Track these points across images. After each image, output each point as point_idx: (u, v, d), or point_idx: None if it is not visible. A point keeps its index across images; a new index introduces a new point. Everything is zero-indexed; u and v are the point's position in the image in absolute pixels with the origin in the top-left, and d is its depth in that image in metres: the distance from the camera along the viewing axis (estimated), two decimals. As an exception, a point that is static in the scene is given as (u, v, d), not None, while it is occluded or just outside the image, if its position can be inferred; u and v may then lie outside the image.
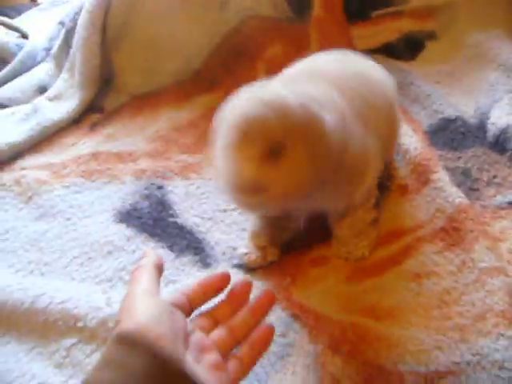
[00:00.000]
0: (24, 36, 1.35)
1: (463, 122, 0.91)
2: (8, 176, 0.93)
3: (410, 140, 0.87)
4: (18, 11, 1.56)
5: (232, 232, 0.79)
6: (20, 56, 1.24)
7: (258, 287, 0.65)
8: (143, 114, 1.08)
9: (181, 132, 1.02)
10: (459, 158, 0.85)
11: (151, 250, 0.55)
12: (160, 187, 0.88)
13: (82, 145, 1.01)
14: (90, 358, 0.63)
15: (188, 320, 0.50)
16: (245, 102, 0.58)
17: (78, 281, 0.74)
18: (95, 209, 0.85)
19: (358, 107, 0.65)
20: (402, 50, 1.14)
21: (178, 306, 0.49)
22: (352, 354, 0.60)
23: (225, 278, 0.54)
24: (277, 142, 0.56)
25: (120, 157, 0.96)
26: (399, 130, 0.81)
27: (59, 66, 1.22)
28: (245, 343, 0.52)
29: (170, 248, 0.77)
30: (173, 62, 1.16)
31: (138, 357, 0.42)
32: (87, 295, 0.68)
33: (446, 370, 0.57)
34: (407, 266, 0.69)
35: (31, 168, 0.95)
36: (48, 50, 1.27)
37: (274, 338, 0.61)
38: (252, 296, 0.55)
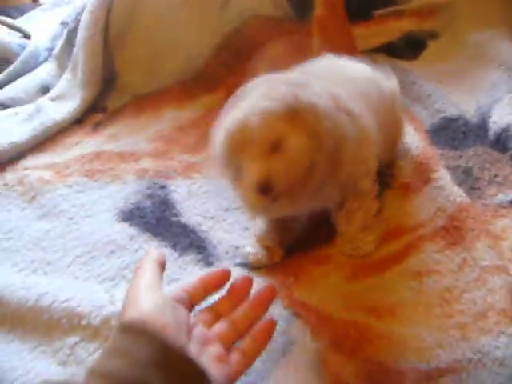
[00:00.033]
0: (26, 36, 1.36)
1: (464, 121, 0.92)
2: (11, 176, 0.94)
3: (412, 139, 0.87)
4: (20, 11, 1.56)
5: (234, 231, 0.79)
6: (22, 56, 1.25)
7: (261, 285, 0.65)
8: (145, 113, 1.09)
9: (183, 132, 1.02)
10: (460, 156, 0.86)
11: (154, 248, 0.56)
12: (162, 187, 0.88)
13: (85, 145, 1.02)
14: (94, 355, 0.63)
15: (190, 314, 0.51)
16: (240, 102, 0.61)
17: (81, 279, 0.74)
18: (98, 208, 0.86)
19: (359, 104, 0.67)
20: (403, 50, 1.14)
21: (179, 301, 0.50)
22: (353, 352, 0.60)
23: (225, 275, 0.55)
24: (277, 136, 0.59)
25: (122, 156, 0.96)
26: (402, 129, 0.81)
27: (61, 66, 1.23)
28: (247, 336, 0.53)
29: (173, 247, 0.77)
30: (174, 62, 1.16)
31: (142, 345, 0.43)
32: (90, 294, 0.69)
33: (447, 367, 0.57)
34: (408, 265, 0.69)
35: (34, 168, 0.96)
36: (50, 50, 1.28)
37: (277, 335, 0.62)
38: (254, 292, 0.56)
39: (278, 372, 0.59)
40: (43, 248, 0.80)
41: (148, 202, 0.85)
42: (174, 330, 0.45)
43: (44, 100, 1.12)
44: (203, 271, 0.73)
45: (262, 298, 0.55)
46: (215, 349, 0.49)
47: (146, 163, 0.94)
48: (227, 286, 0.56)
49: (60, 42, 1.24)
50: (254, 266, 0.72)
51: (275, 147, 0.60)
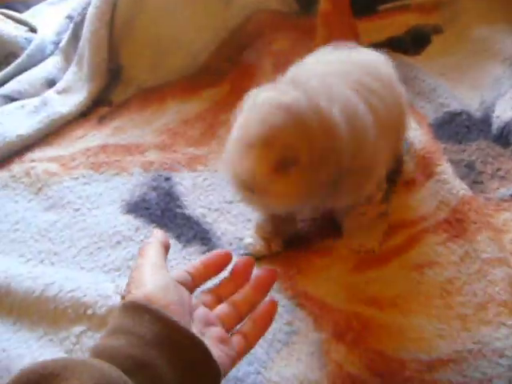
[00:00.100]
0: (33, 30, 1.36)
1: (468, 116, 0.92)
2: (18, 168, 0.94)
3: (415, 133, 0.87)
4: (26, 5, 1.57)
5: (238, 223, 0.80)
6: (29, 50, 1.25)
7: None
8: (151, 107, 1.09)
9: (188, 125, 1.03)
10: (463, 151, 0.86)
11: (158, 231, 0.56)
12: (167, 179, 0.89)
13: (91, 137, 1.02)
14: (100, 344, 0.64)
15: (192, 296, 0.51)
16: (267, 106, 0.59)
17: (87, 270, 0.75)
18: (104, 200, 0.87)
19: (368, 101, 0.67)
20: (408, 44, 1.14)
21: (181, 282, 0.50)
22: (355, 342, 0.61)
23: (226, 257, 0.56)
24: (291, 154, 0.58)
25: (128, 149, 0.97)
26: (407, 123, 0.81)
27: (67, 60, 1.23)
28: (248, 319, 0.53)
29: (178, 238, 0.78)
30: (179, 57, 1.17)
31: (146, 324, 0.43)
32: (96, 284, 0.70)
33: (448, 357, 0.58)
34: (410, 257, 0.70)
35: (40, 160, 0.96)
36: (56, 43, 1.28)
37: (280, 325, 0.63)
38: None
39: (281, 361, 0.60)
40: (50, 239, 0.81)
41: (153, 194, 0.86)
42: (178, 309, 0.46)
43: (50, 93, 1.13)
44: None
45: (263, 280, 0.56)
46: (217, 330, 0.50)
47: (152, 156, 0.95)
48: (229, 268, 0.57)
49: (66, 36, 1.25)
50: (254, 257, 0.73)
51: (286, 164, 0.58)
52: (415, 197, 0.79)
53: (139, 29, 1.17)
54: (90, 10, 1.16)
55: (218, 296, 0.55)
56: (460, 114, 0.92)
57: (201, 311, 0.51)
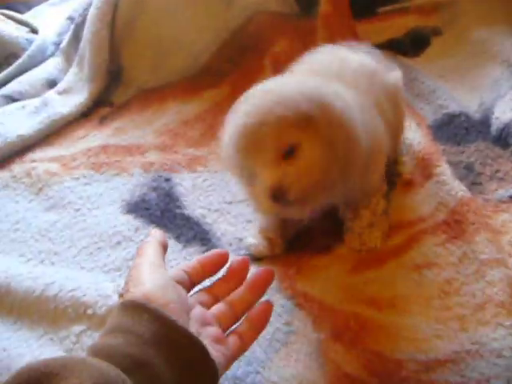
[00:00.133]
0: (34, 31, 1.37)
1: (467, 117, 0.92)
2: (19, 168, 0.95)
3: (414, 135, 0.88)
4: (27, 6, 1.57)
5: (238, 223, 0.80)
6: (30, 51, 1.26)
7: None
8: (151, 107, 1.10)
9: (188, 126, 1.03)
10: (462, 152, 0.86)
11: (157, 230, 0.56)
12: (167, 179, 0.89)
13: (91, 138, 1.03)
14: (99, 344, 0.64)
15: (188, 295, 0.52)
16: (251, 106, 0.59)
17: (87, 270, 0.75)
18: (104, 200, 0.87)
19: (366, 99, 0.68)
20: (408, 46, 1.14)
21: (178, 281, 0.50)
22: (353, 342, 0.61)
23: (223, 256, 0.56)
24: (290, 142, 0.59)
25: (128, 150, 0.97)
26: (404, 123, 0.82)
27: (68, 60, 1.24)
28: (244, 319, 0.53)
29: (177, 239, 0.78)
30: (180, 58, 1.17)
31: (144, 322, 0.43)
32: (96, 283, 0.70)
33: (446, 358, 0.58)
34: (409, 258, 0.70)
35: (41, 160, 0.97)
36: (57, 44, 1.29)
37: (279, 325, 0.63)
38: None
39: (280, 361, 0.60)
40: (50, 239, 0.81)
41: (153, 195, 0.87)
42: (176, 308, 0.46)
43: (51, 94, 1.13)
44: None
45: (260, 281, 0.56)
46: (213, 330, 0.50)
47: (152, 156, 0.95)
48: (225, 268, 0.57)
49: (67, 36, 1.25)
50: (255, 257, 0.73)
51: (289, 154, 0.59)
52: (414, 198, 0.79)
53: (140, 30, 1.17)
54: (91, 11, 1.17)
55: (215, 295, 0.55)
56: (459, 115, 0.93)
57: (197, 311, 0.51)
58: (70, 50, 1.24)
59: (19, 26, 1.37)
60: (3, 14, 1.36)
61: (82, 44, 1.19)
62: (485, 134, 0.89)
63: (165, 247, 0.54)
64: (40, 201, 0.88)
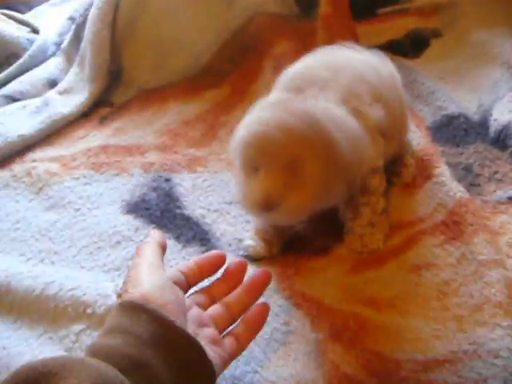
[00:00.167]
0: (35, 31, 1.37)
1: (466, 119, 0.93)
2: (19, 168, 0.95)
3: (414, 136, 0.88)
4: (28, 6, 1.58)
5: (237, 224, 0.80)
6: (31, 51, 1.26)
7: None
8: (152, 108, 1.10)
9: (188, 126, 1.03)
10: (461, 153, 0.87)
11: (156, 231, 0.56)
12: (167, 180, 0.90)
13: (92, 138, 1.03)
14: (99, 343, 0.64)
15: (185, 296, 0.52)
16: (258, 121, 0.61)
17: (86, 269, 0.76)
18: (104, 200, 0.87)
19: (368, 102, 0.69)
20: (408, 48, 1.15)
21: (175, 282, 0.50)
22: (352, 342, 0.61)
23: (220, 258, 0.56)
24: (292, 160, 0.60)
25: (129, 150, 0.98)
26: (408, 124, 0.82)
27: (69, 60, 1.24)
28: (241, 321, 0.53)
29: (177, 239, 0.79)
30: (181, 58, 1.17)
31: (142, 323, 0.43)
32: (96, 283, 0.70)
33: (444, 358, 0.59)
34: (408, 258, 0.71)
35: (42, 160, 0.97)
36: (58, 44, 1.29)
37: (277, 325, 0.63)
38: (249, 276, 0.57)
39: (278, 361, 0.61)
40: (50, 238, 0.81)
41: (153, 195, 0.87)
42: (174, 309, 0.46)
43: (52, 94, 1.13)
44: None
45: (257, 283, 0.56)
46: (210, 331, 0.50)
47: (152, 157, 0.95)
48: (222, 269, 0.57)
49: (68, 37, 1.26)
50: (254, 258, 0.73)
51: (291, 167, 0.61)
52: (413, 198, 0.80)
53: (141, 30, 1.18)
54: (92, 11, 1.17)
55: (212, 297, 0.55)
56: (458, 117, 0.93)
57: (194, 312, 0.51)
58: (71, 50, 1.25)
59: (20, 25, 1.37)
60: (4, 14, 1.37)
61: (82, 44, 1.20)
62: (483, 135, 0.89)
63: (164, 248, 0.54)
64: (40, 200, 0.88)
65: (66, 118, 1.08)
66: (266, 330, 0.61)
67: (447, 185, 0.78)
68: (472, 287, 0.66)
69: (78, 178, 0.92)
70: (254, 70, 1.13)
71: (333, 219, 0.74)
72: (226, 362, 0.50)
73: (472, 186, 0.81)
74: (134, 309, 0.44)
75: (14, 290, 0.71)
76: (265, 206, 0.61)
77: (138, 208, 0.85)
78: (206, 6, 1.17)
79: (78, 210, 0.86)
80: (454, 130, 0.91)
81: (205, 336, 0.49)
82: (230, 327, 0.54)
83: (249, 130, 0.62)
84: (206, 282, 0.57)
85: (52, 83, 1.20)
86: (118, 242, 0.79)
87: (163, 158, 0.94)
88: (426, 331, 0.62)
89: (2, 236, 0.82)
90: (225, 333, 0.53)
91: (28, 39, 1.31)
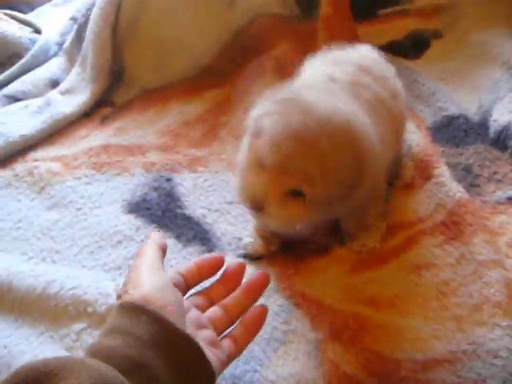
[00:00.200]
0: (37, 31, 1.37)
1: (466, 120, 0.93)
2: (21, 167, 0.95)
3: (414, 136, 0.88)
4: (31, 6, 1.58)
5: (238, 223, 0.81)
6: (33, 51, 1.26)
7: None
8: (153, 108, 1.10)
9: (189, 126, 1.04)
10: (461, 154, 0.87)
11: (156, 233, 0.57)
12: (168, 179, 0.90)
13: (93, 137, 1.03)
14: (99, 341, 0.65)
15: (184, 298, 0.52)
16: (278, 132, 0.59)
17: (88, 268, 0.76)
18: (105, 200, 0.87)
19: (372, 106, 0.68)
20: (408, 48, 1.15)
21: (174, 284, 0.50)
22: (352, 342, 0.62)
23: (218, 261, 0.56)
24: (305, 183, 0.59)
25: (130, 150, 0.98)
26: (405, 125, 0.82)
27: (71, 60, 1.24)
28: (239, 324, 0.54)
29: (178, 238, 0.79)
30: (182, 58, 1.17)
31: (142, 324, 0.44)
32: (97, 282, 0.71)
33: (443, 357, 0.59)
34: (408, 258, 0.71)
35: (44, 159, 0.97)
36: (60, 44, 1.29)
37: (277, 324, 0.64)
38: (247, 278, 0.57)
39: (278, 360, 0.61)
40: (52, 237, 0.82)
41: (154, 195, 0.87)
42: (174, 310, 0.46)
43: (53, 93, 1.14)
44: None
45: (255, 285, 0.56)
46: (208, 333, 0.51)
47: (153, 156, 0.96)
48: (221, 271, 0.57)
49: (70, 37, 1.26)
50: (253, 256, 0.74)
51: (300, 179, 0.59)
52: (413, 199, 0.80)
53: (142, 29, 1.18)
54: (95, 11, 1.17)
55: (210, 299, 0.55)
56: (458, 117, 0.93)
57: (193, 313, 0.52)
58: (73, 50, 1.25)
59: (22, 26, 1.37)
60: (6, 14, 1.37)
61: (84, 44, 1.20)
62: (483, 136, 0.90)
63: (164, 250, 0.54)
64: (42, 200, 0.89)
65: (68, 118, 1.08)
66: (266, 330, 0.61)
67: (447, 185, 0.78)
68: (471, 287, 0.66)
69: (79, 178, 0.92)
70: (254, 72, 1.13)
71: (332, 219, 0.75)
72: (224, 364, 0.50)
73: (472, 186, 0.81)
74: (134, 310, 0.45)
75: (16, 289, 0.71)
76: (255, 203, 0.61)
77: (139, 207, 0.85)
78: (207, 7, 1.17)
79: (79, 209, 0.86)
80: (454, 131, 0.91)
81: (203, 338, 0.49)
82: (229, 329, 0.54)
83: (276, 130, 0.59)
84: (206, 283, 0.57)
85: (54, 83, 1.20)
86: (119, 242, 0.79)
87: (164, 157, 0.95)
88: (425, 331, 0.62)
89: (3, 235, 0.83)
90: (223, 335, 0.53)
91: (30, 39, 1.31)
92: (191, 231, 0.80)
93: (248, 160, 0.63)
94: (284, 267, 0.72)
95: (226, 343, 0.52)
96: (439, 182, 0.79)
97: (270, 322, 0.63)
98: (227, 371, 0.55)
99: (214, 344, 0.50)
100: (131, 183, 0.90)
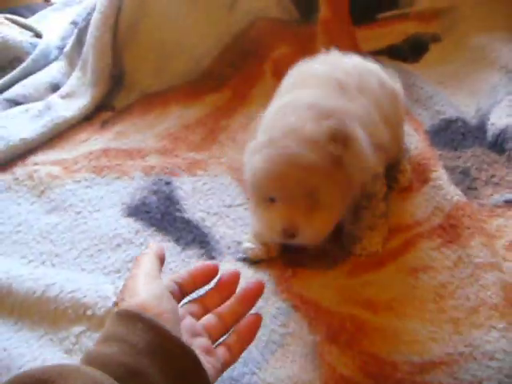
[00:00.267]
0: (38, 35, 1.38)
1: (463, 123, 0.93)
2: (21, 171, 0.96)
3: (411, 140, 0.89)
4: (31, 11, 1.59)
5: (237, 227, 0.81)
6: (34, 55, 1.27)
7: (259, 279, 0.67)
8: (153, 112, 1.10)
9: (189, 130, 1.04)
10: (459, 157, 0.87)
11: (155, 243, 0.57)
12: (168, 183, 0.90)
13: (93, 141, 1.04)
14: (98, 344, 0.65)
15: (178, 306, 0.52)
16: (269, 158, 0.63)
17: (87, 271, 0.76)
18: (105, 203, 0.88)
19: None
20: (407, 52, 1.15)
21: (169, 292, 0.51)
22: (349, 344, 0.62)
23: (213, 270, 0.56)
24: (309, 193, 0.63)
25: (129, 153, 0.98)
26: (403, 128, 0.83)
27: (71, 64, 1.25)
28: (233, 332, 0.54)
29: (177, 241, 0.79)
30: (182, 62, 1.18)
31: (138, 332, 0.44)
32: (96, 285, 0.71)
33: (440, 360, 0.59)
34: (405, 261, 0.71)
35: (43, 163, 0.98)
36: (61, 48, 1.30)
37: (275, 327, 0.64)
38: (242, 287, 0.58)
39: (276, 363, 0.61)
40: (51, 241, 0.82)
41: (153, 198, 0.87)
42: (170, 318, 0.46)
43: (54, 97, 1.14)
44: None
45: (249, 293, 0.56)
46: (203, 341, 0.51)
47: (152, 160, 0.96)
48: (215, 279, 0.57)
49: (70, 41, 1.27)
50: (252, 261, 0.74)
51: (309, 195, 0.63)
52: (411, 202, 0.80)
53: (143, 33, 1.18)
54: (95, 15, 1.18)
55: (205, 306, 0.55)
56: (456, 121, 0.94)
57: (188, 321, 0.52)
58: (74, 55, 1.26)
59: (23, 30, 1.38)
60: (7, 19, 1.38)
61: (85, 48, 1.20)
62: (481, 139, 0.90)
63: (162, 260, 0.55)
64: (42, 203, 0.89)
65: (68, 122, 1.09)
66: (263, 332, 0.62)
67: (444, 188, 0.79)
68: (468, 290, 0.66)
69: (79, 181, 0.92)
70: (254, 75, 1.14)
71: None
72: (218, 372, 0.50)
73: (469, 189, 0.81)
74: (130, 318, 0.45)
75: (15, 292, 0.71)
76: (288, 234, 0.64)
77: (139, 211, 0.85)
78: (207, 11, 1.17)
79: (79, 212, 0.86)
80: (452, 134, 0.91)
81: (198, 346, 0.49)
82: (223, 337, 0.54)
83: (264, 165, 0.64)
84: (199, 292, 0.57)
85: (54, 87, 1.21)
86: (119, 245, 0.80)
87: (164, 161, 0.95)
88: (422, 333, 0.62)
89: (3, 238, 0.83)
90: (217, 343, 0.54)
91: (31, 43, 1.32)
92: (190, 234, 0.80)
93: (256, 200, 0.67)
94: (282, 270, 0.72)
95: (221, 351, 0.52)
96: (437, 185, 0.80)
97: (268, 324, 0.64)
98: (225, 374, 0.55)
99: (208, 352, 0.50)
100: (131, 187, 0.90)
